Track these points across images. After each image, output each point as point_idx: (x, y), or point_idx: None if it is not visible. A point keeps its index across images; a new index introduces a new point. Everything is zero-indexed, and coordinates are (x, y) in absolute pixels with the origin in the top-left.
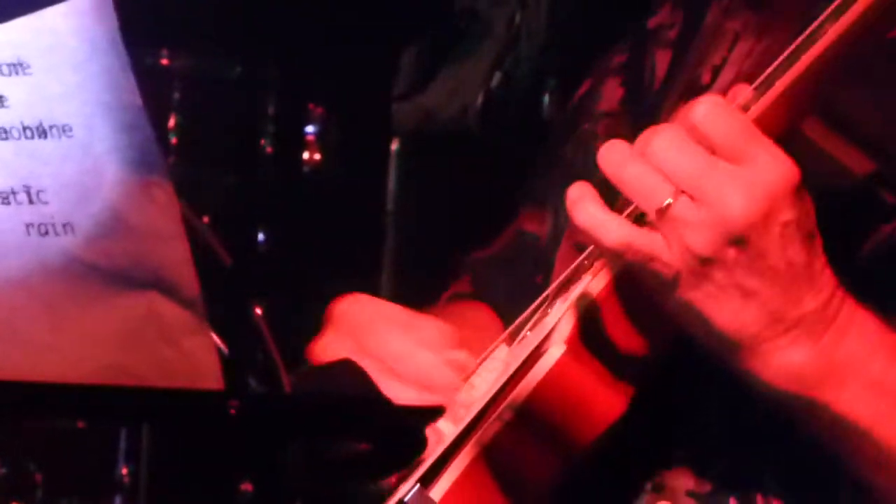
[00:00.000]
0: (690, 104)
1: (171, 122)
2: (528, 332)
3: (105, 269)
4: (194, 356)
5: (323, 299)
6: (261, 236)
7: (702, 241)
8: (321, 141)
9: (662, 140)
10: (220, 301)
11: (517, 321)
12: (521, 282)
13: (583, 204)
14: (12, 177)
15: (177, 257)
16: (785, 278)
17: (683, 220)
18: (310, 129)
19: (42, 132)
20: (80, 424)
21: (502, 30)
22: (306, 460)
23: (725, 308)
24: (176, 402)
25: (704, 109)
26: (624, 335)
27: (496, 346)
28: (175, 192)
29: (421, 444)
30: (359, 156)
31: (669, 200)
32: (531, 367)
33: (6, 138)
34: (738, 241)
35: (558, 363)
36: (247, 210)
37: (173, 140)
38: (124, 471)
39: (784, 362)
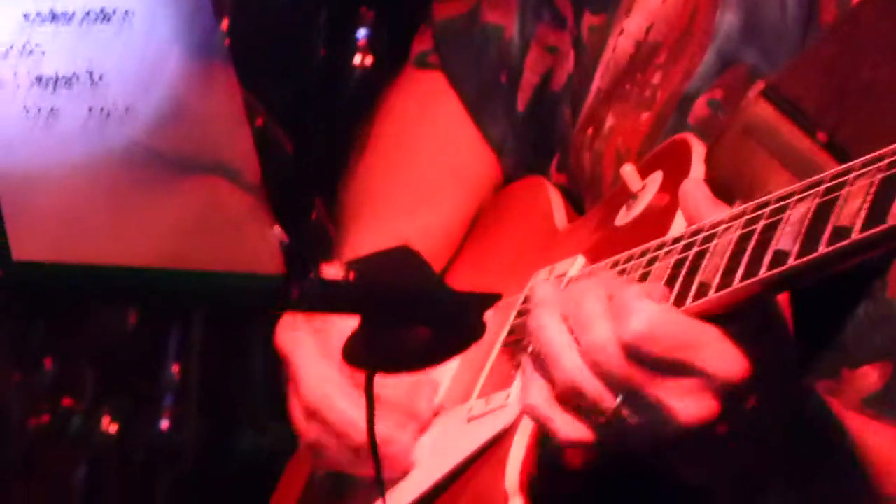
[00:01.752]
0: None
1: (224, 25)
2: (484, 402)
3: (167, 154)
4: (256, 241)
5: None
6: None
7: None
8: (372, 45)
9: (598, 350)
10: (282, 187)
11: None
12: (484, 77)
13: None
14: (75, 61)
15: (238, 143)
16: None
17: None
18: (361, 33)
19: (105, 17)
20: (132, 320)
21: None
22: (366, 346)
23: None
24: (238, 288)
25: (639, 326)
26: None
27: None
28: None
29: (479, 329)
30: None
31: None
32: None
33: (69, 22)
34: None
35: None
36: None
37: (225, 42)
38: (175, 368)
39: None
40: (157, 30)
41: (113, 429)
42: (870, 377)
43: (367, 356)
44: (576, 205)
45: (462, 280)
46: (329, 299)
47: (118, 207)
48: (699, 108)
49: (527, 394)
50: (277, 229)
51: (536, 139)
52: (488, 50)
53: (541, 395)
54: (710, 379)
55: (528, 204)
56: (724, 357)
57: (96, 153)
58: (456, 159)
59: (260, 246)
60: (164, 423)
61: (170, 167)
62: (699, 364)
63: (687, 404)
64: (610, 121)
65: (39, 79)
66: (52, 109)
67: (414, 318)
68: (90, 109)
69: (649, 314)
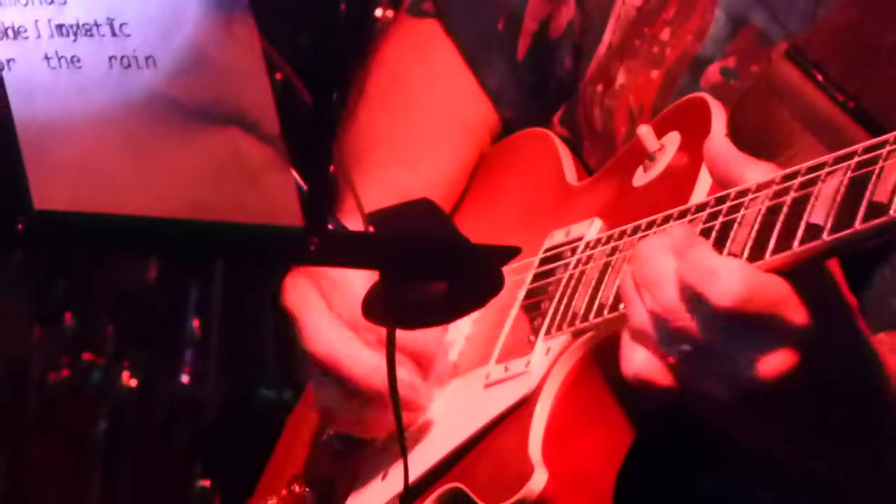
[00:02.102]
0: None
1: None
2: (503, 368)
3: (187, 105)
4: (275, 193)
5: None
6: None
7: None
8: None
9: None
10: (301, 139)
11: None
12: (482, 25)
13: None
14: (95, 9)
15: (258, 94)
16: None
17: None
18: None
19: None
20: (153, 275)
21: None
22: (386, 301)
23: None
24: (257, 239)
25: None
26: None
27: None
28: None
29: (498, 283)
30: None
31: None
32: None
33: None
34: None
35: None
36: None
37: None
38: (196, 323)
39: None
40: None
41: (133, 383)
42: (886, 344)
43: (387, 311)
44: (581, 159)
45: (471, 234)
46: (348, 252)
47: (138, 157)
48: (712, 73)
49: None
50: (297, 180)
51: (535, 87)
52: None
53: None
54: (793, 330)
55: (535, 157)
56: (800, 308)
57: (117, 103)
58: (454, 108)
59: (279, 198)
60: (185, 378)
61: (190, 118)
62: (786, 315)
63: (769, 356)
64: (621, 78)
65: (60, 27)
66: (72, 58)
67: (433, 272)
68: (111, 59)
69: (739, 273)
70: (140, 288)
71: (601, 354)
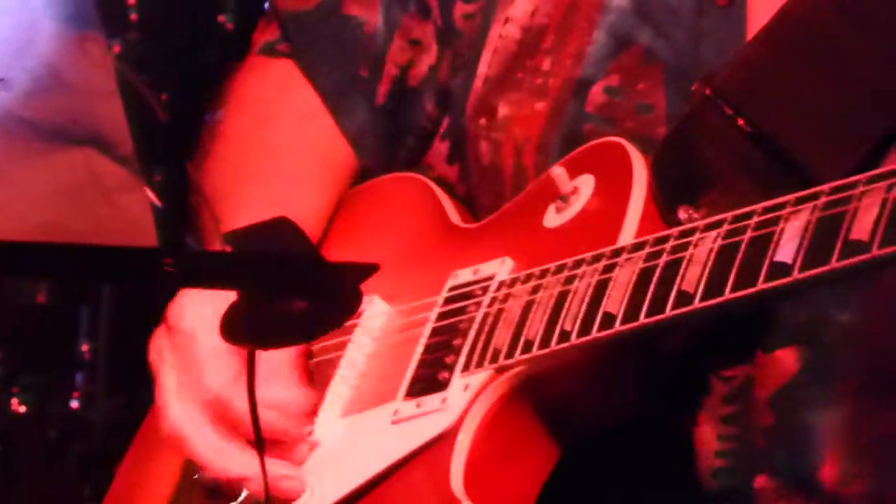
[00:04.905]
0: None
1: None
2: (414, 405)
3: (41, 125)
4: (130, 213)
5: None
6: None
7: None
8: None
9: None
10: (157, 158)
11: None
12: (343, 70)
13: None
14: None
15: (111, 114)
16: None
17: None
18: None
19: None
20: (42, 300)
21: None
22: (244, 320)
23: None
24: (113, 260)
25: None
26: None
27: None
28: (136, 67)
29: (356, 300)
30: (251, 49)
31: None
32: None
33: None
34: None
35: None
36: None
37: (133, 16)
38: (84, 347)
39: None
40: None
41: (22, 409)
42: (785, 362)
43: (245, 331)
44: (461, 200)
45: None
46: (204, 272)
47: None
48: (596, 94)
49: None
50: (151, 197)
51: (394, 134)
52: (349, 43)
53: None
54: None
55: (409, 199)
56: None
57: None
58: (319, 149)
59: (134, 218)
60: (74, 403)
61: (45, 138)
62: None
63: None
64: (503, 110)
65: None
66: None
67: (291, 291)
68: None
69: None
70: (29, 310)
71: (528, 387)
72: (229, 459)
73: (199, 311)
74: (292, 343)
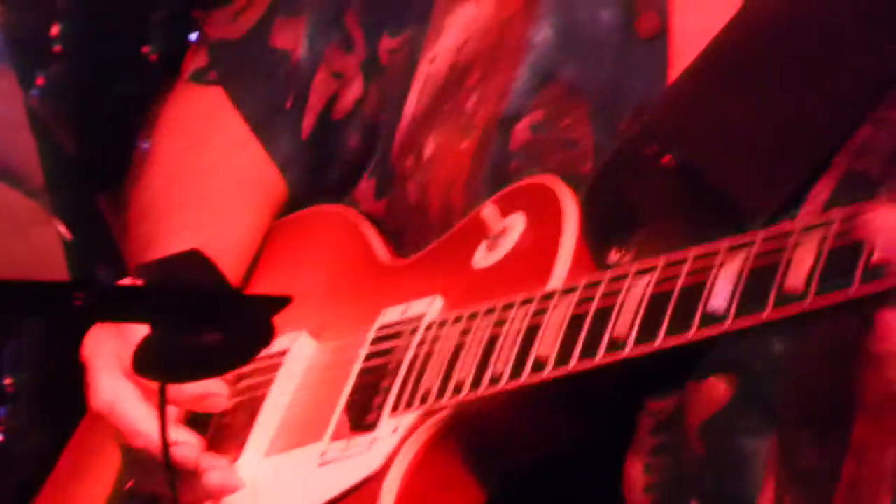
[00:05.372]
0: None
1: (55, 30)
2: (342, 446)
3: None
4: (40, 247)
5: None
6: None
7: None
8: None
9: None
10: (67, 191)
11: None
12: (269, 102)
13: None
14: None
15: (22, 147)
16: None
17: None
18: (194, 36)
19: None
20: None
21: None
22: (156, 354)
23: None
24: (22, 295)
25: None
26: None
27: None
28: (60, 99)
29: (269, 333)
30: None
31: None
32: None
33: None
34: None
35: None
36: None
37: (56, 48)
38: (8, 381)
39: None
40: None
41: None
42: (717, 389)
43: (157, 365)
44: (388, 236)
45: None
46: (116, 306)
47: None
48: (521, 132)
49: None
50: (62, 231)
51: (320, 167)
52: (275, 75)
53: None
54: None
55: (338, 234)
56: None
57: None
58: (250, 176)
59: (45, 252)
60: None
61: None
62: None
63: None
64: (430, 149)
65: None
66: None
67: (204, 323)
68: None
69: None
70: None
71: (457, 429)
72: (155, 429)
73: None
74: (205, 376)
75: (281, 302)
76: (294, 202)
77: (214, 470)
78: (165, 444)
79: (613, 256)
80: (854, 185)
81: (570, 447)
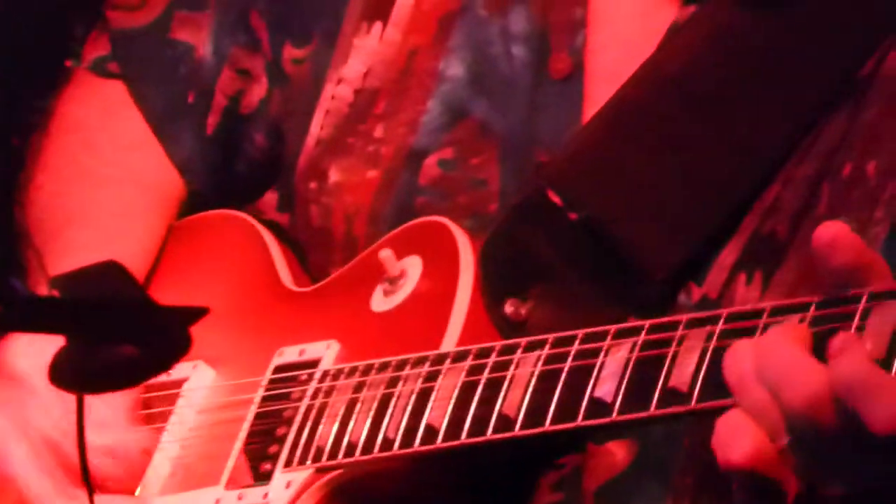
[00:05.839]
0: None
1: None
2: (236, 498)
3: None
4: None
5: None
6: None
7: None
8: None
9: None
10: None
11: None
12: (171, 96)
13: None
14: None
15: None
16: None
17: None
18: None
19: None
20: None
21: None
22: (72, 365)
23: None
24: None
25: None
26: None
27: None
28: None
29: (185, 345)
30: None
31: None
32: None
33: None
34: None
35: None
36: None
37: None
38: None
39: None
40: None
41: None
42: (616, 455)
43: (73, 376)
44: (293, 248)
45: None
46: (30, 317)
47: None
48: (429, 167)
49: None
50: None
51: (224, 165)
52: (177, 68)
53: None
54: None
55: (241, 248)
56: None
57: None
58: (147, 180)
59: None
60: None
61: None
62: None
63: None
64: (334, 175)
65: None
66: None
67: (119, 335)
68: None
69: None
70: None
71: (350, 490)
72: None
73: (32, 351)
74: (121, 388)
75: (197, 313)
76: (201, 202)
77: None
78: (83, 455)
79: (509, 308)
80: (762, 247)
81: None
